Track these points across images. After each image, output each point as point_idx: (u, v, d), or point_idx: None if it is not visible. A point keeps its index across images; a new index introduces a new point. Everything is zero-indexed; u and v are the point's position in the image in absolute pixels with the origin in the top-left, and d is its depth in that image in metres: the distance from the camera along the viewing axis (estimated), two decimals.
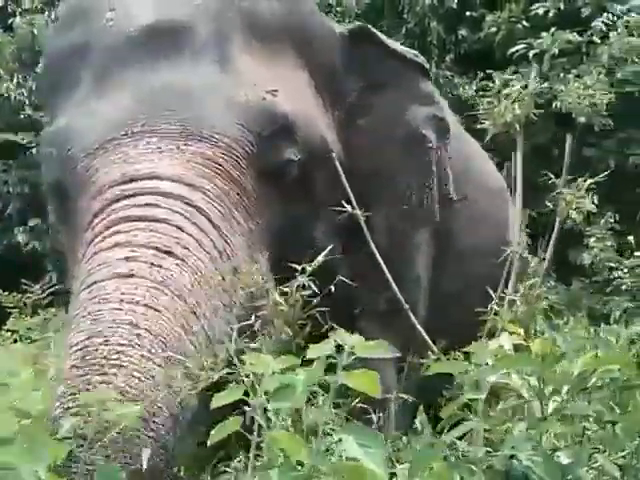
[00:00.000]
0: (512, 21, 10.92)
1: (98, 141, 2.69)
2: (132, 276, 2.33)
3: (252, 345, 2.10)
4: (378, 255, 2.79)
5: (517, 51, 10.58)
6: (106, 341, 2.17)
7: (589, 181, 2.88)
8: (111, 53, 2.85)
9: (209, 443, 1.84)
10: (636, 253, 7.53)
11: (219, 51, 2.84)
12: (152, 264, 2.36)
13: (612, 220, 8.10)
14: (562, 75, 10.12)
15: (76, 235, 2.69)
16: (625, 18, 9.89)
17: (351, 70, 3.22)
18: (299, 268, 2.30)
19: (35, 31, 10.28)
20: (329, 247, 2.57)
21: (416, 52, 3.54)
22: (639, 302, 6.98)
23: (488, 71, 10.49)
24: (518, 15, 11.03)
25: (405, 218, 3.25)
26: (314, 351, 1.70)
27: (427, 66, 3.49)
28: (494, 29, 11.10)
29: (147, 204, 2.51)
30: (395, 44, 3.44)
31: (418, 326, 2.49)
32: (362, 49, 3.26)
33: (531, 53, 10.39)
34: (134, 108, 2.72)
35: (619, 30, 9.82)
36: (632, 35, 9.76)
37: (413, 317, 2.55)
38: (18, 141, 9.96)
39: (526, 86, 3.12)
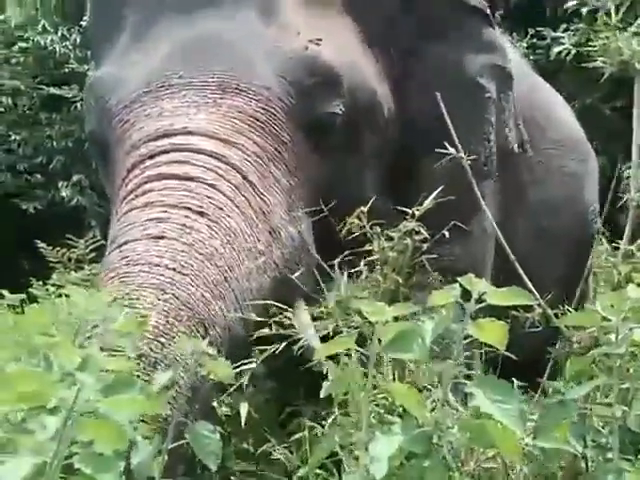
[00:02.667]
0: None
1: (135, 93, 2.62)
2: (163, 238, 2.27)
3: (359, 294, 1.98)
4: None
5: (569, 7, 10.30)
6: (132, 304, 2.09)
7: None
8: (152, 1, 2.78)
9: (322, 395, 1.72)
10: None
11: (263, 0, 2.74)
12: (184, 225, 2.29)
13: None
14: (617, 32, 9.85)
15: (113, 189, 2.63)
16: None
17: (407, 18, 3.08)
18: (409, 212, 2.17)
19: None
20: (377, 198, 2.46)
21: None
22: None
23: (539, 28, 10.27)
24: None
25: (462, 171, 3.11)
26: (438, 297, 1.56)
27: (489, 12, 3.33)
28: None
29: (180, 161, 2.44)
30: None
31: (525, 277, 2.34)
32: None
33: (584, 9, 10.11)
34: (172, 59, 2.64)
35: None
36: None
37: (519, 268, 2.39)
38: (62, 95, 9.85)
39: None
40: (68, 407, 1.29)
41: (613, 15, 3.07)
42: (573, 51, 10.07)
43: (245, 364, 2.07)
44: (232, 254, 2.30)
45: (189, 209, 2.31)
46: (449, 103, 2.86)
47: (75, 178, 9.79)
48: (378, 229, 2.33)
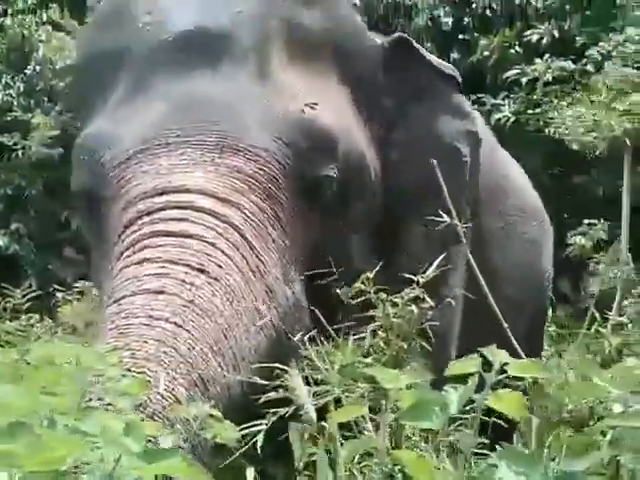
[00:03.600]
0: (505, 46, 10.91)
1: (130, 150, 2.62)
2: (162, 292, 2.27)
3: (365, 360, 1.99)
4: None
5: (510, 76, 10.56)
6: (132, 354, 2.08)
7: None
8: (147, 59, 2.80)
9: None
10: None
11: (259, 61, 2.78)
12: (183, 281, 2.29)
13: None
14: (555, 103, 10.14)
15: (105, 246, 2.62)
16: (620, 49, 9.89)
17: (390, 83, 3.14)
18: (415, 279, 2.19)
19: (25, 32, 10.10)
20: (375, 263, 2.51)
21: (450, 65, 3.48)
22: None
23: (479, 95, 10.50)
24: (511, 40, 11.04)
25: (441, 235, 3.16)
26: (458, 367, 1.57)
27: (459, 79, 3.42)
28: (487, 53, 11.08)
29: (179, 219, 2.45)
30: (431, 56, 3.36)
31: (516, 344, 2.36)
32: (401, 61, 3.19)
33: (524, 79, 10.39)
34: (169, 117, 2.65)
35: (614, 60, 9.83)
36: (627, 66, 9.78)
37: (513, 338, 2.41)
38: (3, 142, 9.74)
39: None
40: (106, 472, 1.26)
41: (604, 93, 3.16)
42: (512, 118, 10.33)
43: (245, 427, 2.06)
44: (231, 312, 2.31)
45: (188, 266, 2.31)
46: (430, 169, 2.92)
47: (13, 226, 9.65)
48: (383, 295, 2.35)
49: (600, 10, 10.49)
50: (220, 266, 2.35)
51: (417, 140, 3.12)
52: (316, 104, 2.71)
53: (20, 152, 9.60)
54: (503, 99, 10.71)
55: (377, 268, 2.55)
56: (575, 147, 9.75)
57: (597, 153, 7.85)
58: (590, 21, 10.49)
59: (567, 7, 10.70)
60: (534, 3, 11.02)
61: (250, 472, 1.86)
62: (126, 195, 2.55)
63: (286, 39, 2.83)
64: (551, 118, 10.03)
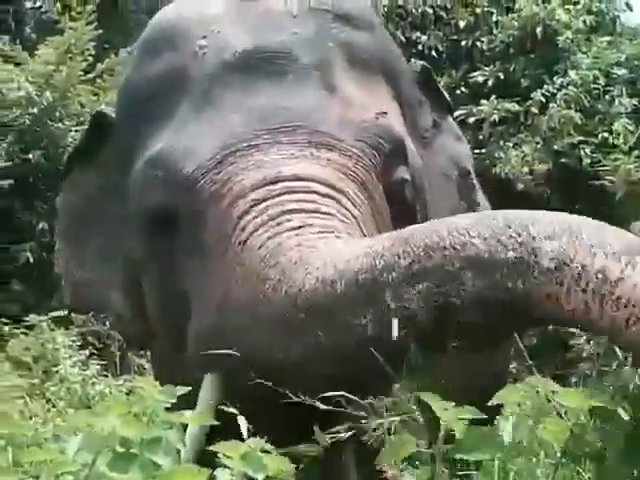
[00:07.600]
0: (452, 87, 11.11)
1: (218, 155, 2.62)
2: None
3: None
4: None
5: (457, 116, 10.74)
6: None
7: None
8: (211, 79, 2.81)
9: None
10: None
11: (323, 77, 2.83)
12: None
13: None
14: (501, 143, 10.38)
15: (200, 251, 2.58)
16: (563, 91, 10.17)
17: (423, 107, 3.31)
18: None
19: None
20: None
21: None
22: (598, 368, 6.94)
23: None
24: (458, 81, 11.25)
25: None
26: (505, 395, 1.62)
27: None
28: None
29: (303, 200, 2.46)
30: None
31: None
32: (427, 88, 3.38)
33: (471, 119, 10.59)
34: (249, 125, 2.66)
35: (558, 102, 10.10)
36: (570, 108, 10.05)
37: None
38: None
39: None
40: None
41: (621, 139, 3.30)
42: None
43: None
44: None
45: (339, 233, 2.36)
46: (449, 192, 3.18)
47: None
48: None
49: (543, 53, 10.76)
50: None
51: (437, 164, 3.28)
52: (386, 113, 2.79)
53: None
54: None
55: None
56: (520, 187, 10.01)
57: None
58: (534, 64, 10.74)
59: (511, 50, 10.93)
60: (479, 46, 11.25)
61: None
62: (229, 193, 2.54)
63: (345, 58, 2.90)
64: (497, 158, 10.27)
